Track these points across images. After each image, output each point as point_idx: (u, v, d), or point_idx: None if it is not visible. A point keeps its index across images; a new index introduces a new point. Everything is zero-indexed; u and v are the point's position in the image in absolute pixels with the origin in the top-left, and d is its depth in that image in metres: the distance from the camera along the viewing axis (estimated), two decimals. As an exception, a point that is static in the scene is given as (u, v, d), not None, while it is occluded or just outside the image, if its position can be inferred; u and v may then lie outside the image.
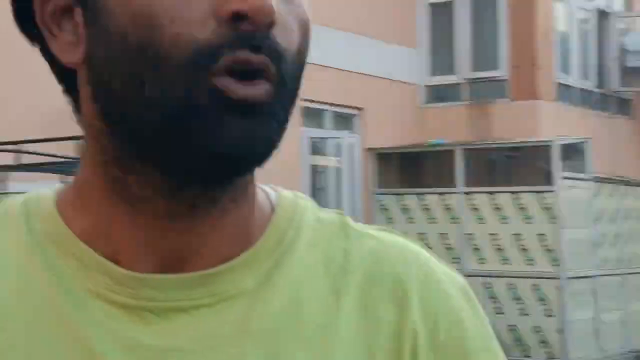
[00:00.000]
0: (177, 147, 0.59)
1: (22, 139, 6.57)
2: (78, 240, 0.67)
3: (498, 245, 10.56)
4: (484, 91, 12.69)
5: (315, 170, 11.72)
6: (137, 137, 0.61)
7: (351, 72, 11.77)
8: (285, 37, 0.61)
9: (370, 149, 11.85)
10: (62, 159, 6.10)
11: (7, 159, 6.57)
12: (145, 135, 0.60)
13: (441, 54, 13.22)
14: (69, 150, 5.88)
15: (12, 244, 0.69)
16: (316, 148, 11.66)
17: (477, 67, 12.84)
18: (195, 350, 0.64)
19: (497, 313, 10.32)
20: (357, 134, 12.12)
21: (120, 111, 0.60)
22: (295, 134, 10.71)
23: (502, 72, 12.56)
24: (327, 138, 11.85)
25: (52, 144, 6.47)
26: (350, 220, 0.75)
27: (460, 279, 0.76)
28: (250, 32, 0.56)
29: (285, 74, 0.61)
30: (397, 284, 0.70)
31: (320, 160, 11.75)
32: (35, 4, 0.63)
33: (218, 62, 0.57)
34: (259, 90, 0.58)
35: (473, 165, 11.39)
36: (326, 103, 11.63)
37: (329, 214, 0.76)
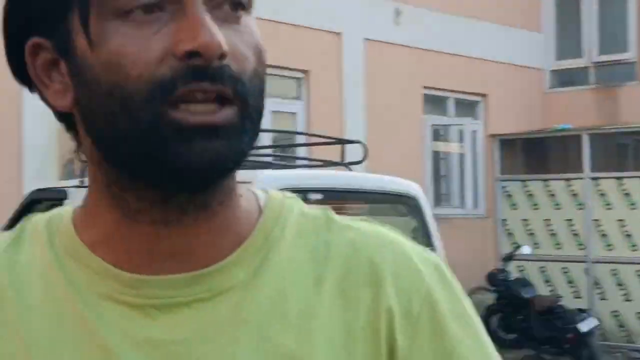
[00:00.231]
0: (154, 168, 0.67)
1: None
2: (89, 251, 0.74)
3: (626, 231, 10.34)
4: (612, 74, 12.56)
5: (438, 157, 11.80)
6: (124, 162, 0.68)
7: (474, 58, 11.81)
8: (239, 64, 0.67)
9: (493, 135, 11.84)
10: None
11: None
12: (129, 161, 0.67)
13: (567, 37, 13.15)
14: None
15: (38, 258, 0.77)
16: (438, 135, 11.65)
17: (604, 50, 12.59)
18: (195, 339, 0.71)
19: (626, 300, 10.34)
20: (480, 120, 12.22)
21: (107, 144, 0.68)
22: (417, 122, 11.38)
23: (630, 54, 12.39)
24: (449, 125, 11.78)
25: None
26: (333, 215, 0.82)
27: (434, 258, 0.82)
28: (203, 66, 0.63)
29: (246, 95, 0.68)
30: (372, 267, 0.76)
31: (442, 147, 11.88)
32: (26, 59, 0.71)
33: (175, 93, 0.63)
34: (219, 117, 0.66)
35: (600, 150, 11.19)
36: (449, 90, 11.73)
37: (314, 211, 0.83)
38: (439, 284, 0.76)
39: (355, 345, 0.74)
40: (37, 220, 0.80)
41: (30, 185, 7.52)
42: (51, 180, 8.04)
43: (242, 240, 0.74)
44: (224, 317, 0.71)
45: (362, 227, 0.80)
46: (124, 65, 0.64)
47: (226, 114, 0.65)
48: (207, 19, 0.65)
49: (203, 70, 0.63)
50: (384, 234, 0.80)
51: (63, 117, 0.73)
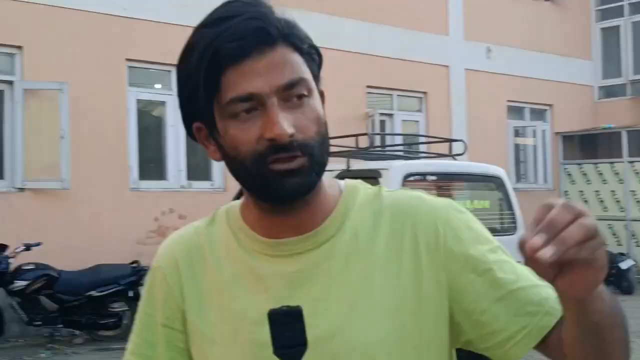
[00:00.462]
0: (264, 195, 1.01)
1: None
2: (249, 228, 1.07)
3: None
4: (643, 88, 14.14)
5: (518, 148, 13.97)
6: (249, 189, 1.03)
7: (544, 80, 13.89)
8: (304, 134, 0.95)
9: (557, 133, 13.98)
10: (346, 148, 7.26)
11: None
12: (250, 191, 1.03)
13: (610, 61, 14.98)
14: (345, 142, 7.35)
15: (222, 231, 1.12)
16: (518, 133, 13.88)
17: (637, 71, 14.45)
18: (307, 269, 1.03)
19: None
20: (548, 122, 14.29)
21: (241, 181, 1.02)
22: (503, 124, 13.53)
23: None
24: (526, 126, 13.99)
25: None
26: (383, 189, 1.12)
27: (449, 201, 1.11)
28: (280, 145, 0.92)
29: (311, 150, 0.95)
30: (409, 215, 1.05)
31: (521, 141, 13.95)
32: (194, 132, 1.04)
33: (268, 158, 0.94)
34: (296, 163, 0.95)
35: (635, 142, 12.93)
36: (525, 102, 13.96)
37: (371, 188, 1.12)
38: (452, 212, 1.06)
39: (402, 262, 1.03)
40: (221, 209, 1.16)
41: None
42: None
43: (329, 213, 1.05)
44: (323, 256, 1.03)
45: (398, 193, 1.12)
46: (238, 145, 0.96)
47: (298, 163, 0.95)
48: (280, 116, 0.93)
49: (281, 147, 0.93)
50: (414, 193, 1.12)
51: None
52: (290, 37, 0.97)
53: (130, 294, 8.09)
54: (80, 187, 8.82)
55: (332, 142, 7.13)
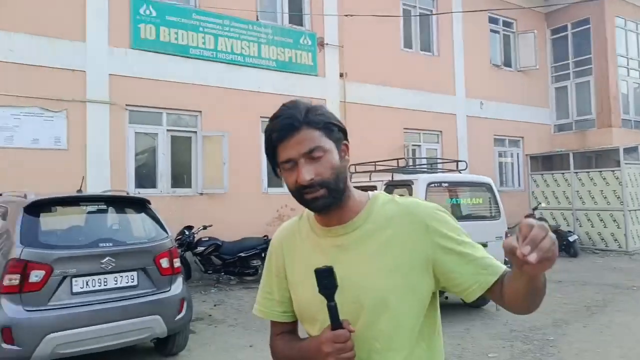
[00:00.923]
0: (310, 209, 1.10)
1: (376, 159, 7.90)
2: (316, 221, 1.15)
3: (603, 194, 11.43)
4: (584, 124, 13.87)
5: (501, 165, 13.71)
6: (304, 205, 1.10)
7: (519, 121, 13.76)
8: (321, 176, 1.03)
9: (527, 155, 13.64)
10: (389, 167, 7.50)
11: (370, 168, 7.56)
12: (304, 206, 1.10)
13: (561, 109, 14.58)
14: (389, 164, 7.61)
15: (304, 223, 1.19)
16: (501, 155, 13.75)
17: (579, 114, 14.01)
18: (349, 245, 1.08)
19: (591, 226, 11.67)
20: (520, 148, 14.10)
21: (298, 201, 1.10)
22: (490, 151, 13.09)
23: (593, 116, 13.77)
24: (506, 151, 13.88)
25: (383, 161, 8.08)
26: (396, 197, 1.12)
27: (436, 205, 1.11)
28: (306, 186, 1.03)
29: (327, 185, 1.03)
30: (413, 216, 1.07)
31: (503, 160, 13.78)
32: (278, 173, 1.10)
33: (302, 192, 1.04)
34: (318, 194, 1.04)
35: (578, 160, 12.38)
36: (505, 135, 13.61)
37: (388, 197, 1.13)
38: (436, 212, 1.09)
39: (403, 242, 1.05)
40: (305, 211, 1.19)
41: None
42: None
43: (359, 212, 1.10)
44: (355, 237, 1.09)
45: (405, 200, 1.13)
46: (288, 184, 1.06)
47: (318, 194, 1.04)
48: (303, 169, 1.01)
49: (305, 187, 1.03)
50: (413, 200, 1.12)
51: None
52: (310, 122, 1.07)
53: (263, 255, 8.08)
54: (233, 192, 9.17)
55: (381, 163, 7.73)
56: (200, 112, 9.14)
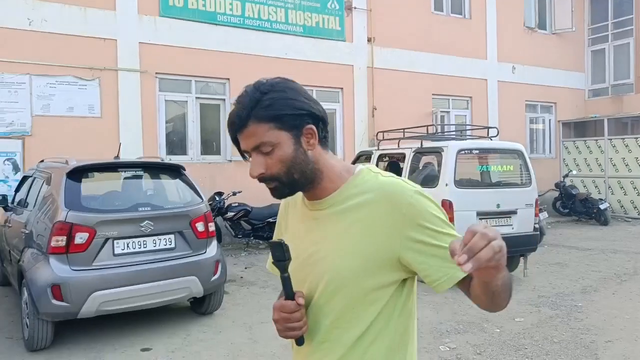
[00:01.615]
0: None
1: (403, 126, 8.21)
2: (304, 198, 1.15)
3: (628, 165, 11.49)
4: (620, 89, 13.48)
5: (532, 131, 13.48)
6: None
7: (552, 86, 13.40)
8: (271, 170, 1.02)
9: (559, 121, 13.61)
10: (418, 134, 7.81)
11: (398, 135, 7.79)
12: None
13: (597, 73, 14.15)
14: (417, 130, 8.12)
15: (300, 197, 1.17)
16: (532, 122, 13.50)
17: (616, 79, 13.62)
18: (321, 218, 1.09)
19: (624, 194, 11.60)
20: (553, 114, 13.86)
21: None
22: (522, 116, 12.90)
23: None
24: (538, 117, 13.56)
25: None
26: (380, 174, 1.09)
27: (417, 187, 1.05)
28: (257, 179, 1.03)
29: (278, 178, 1.03)
30: (390, 202, 1.03)
31: (534, 127, 13.59)
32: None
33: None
34: (272, 185, 1.05)
35: (613, 126, 12.27)
36: (538, 101, 13.35)
37: (374, 172, 1.09)
38: (416, 196, 1.04)
39: (374, 223, 1.03)
40: None
41: (359, 148, 9.95)
42: (365, 146, 10.01)
43: (337, 188, 1.09)
44: (330, 214, 1.09)
45: (386, 177, 1.08)
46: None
47: (272, 186, 1.07)
48: (252, 163, 1.02)
49: (260, 180, 1.04)
50: (393, 180, 1.07)
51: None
52: (257, 116, 1.03)
53: None
54: None
55: (410, 129, 7.78)
56: (228, 79, 9.20)
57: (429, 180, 6.50)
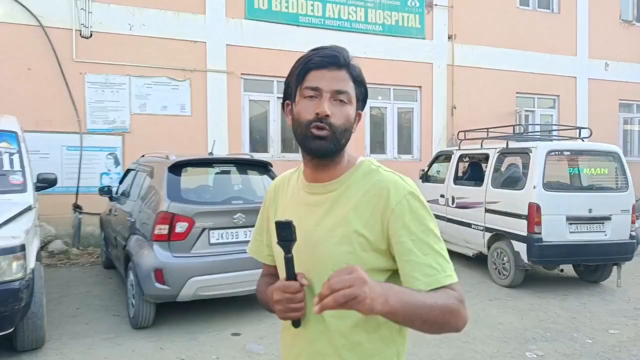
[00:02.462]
0: (306, 150, 1.06)
1: (484, 126, 8.11)
2: (303, 176, 1.17)
3: None
4: None
5: (626, 133, 12.91)
6: (299, 142, 1.07)
7: None
8: (335, 119, 1.03)
9: None
10: (503, 134, 7.52)
11: (482, 135, 7.62)
12: (300, 143, 1.06)
13: None
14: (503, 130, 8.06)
15: (296, 176, 1.22)
16: (626, 122, 12.89)
17: None
18: (319, 203, 1.12)
19: None
20: None
21: (296, 138, 1.08)
22: (615, 117, 12.32)
23: None
24: (634, 117, 12.95)
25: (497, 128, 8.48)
26: (379, 166, 1.13)
27: (411, 187, 1.08)
28: (321, 117, 1.01)
29: (335, 129, 1.03)
30: (385, 189, 1.07)
31: (629, 128, 12.98)
32: (285, 106, 1.12)
33: (311, 124, 1.02)
34: (323, 133, 1.02)
35: None
36: (634, 100, 12.65)
37: (374, 165, 1.13)
38: (409, 197, 1.07)
39: (369, 214, 1.07)
40: (295, 169, 1.23)
41: (437, 148, 9.92)
42: (443, 146, 10.02)
43: (340, 175, 1.12)
44: (327, 200, 1.12)
45: (385, 173, 1.12)
46: (301, 112, 1.05)
47: (324, 133, 1.04)
48: (326, 103, 1.03)
49: (319, 119, 1.03)
50: (392, 176, 1.10)
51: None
52: (351, 69, 1.10)
53: None
54: None
55: (494, 129, 7.53)
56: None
57: (513, 182, 6.34)
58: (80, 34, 8.09)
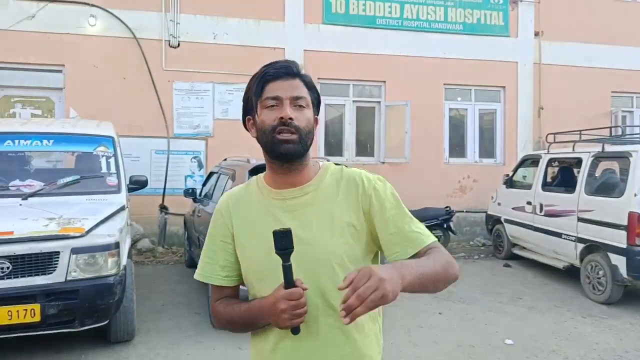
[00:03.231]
0: (274, 155, 1.13)
1: (575, 129, 7.28)
2: (266, 185, 1.20)
3: None
4: None
5: None
6: (268, 152, 1.15)
7: None
8: (299, 122, 1.12)
9: None
10: (597, 136, 6.81)
11: (573, 137, 6.98)
12: (268, 152, 1.14)
13: None
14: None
15: (253, 189, 1.23)
16: None
17: None
18: (299, 208, 1.16)
19: None
20: None
21: (264, 146, 1.15)
22: None
23: None
24: None
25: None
26: (344, 166, 1.23)
27: (379, 176, 1.21)
28: (284, 121, 1.09)
29: (300, 132, 1.12)
30: (356, 182, 1.19)
31: None
32: (246, 122, 1.21)
33: (277, 129, 1.10)
34: (290, 136, 1.10)
35: None
36: None
37: (338, 166, 1.23)
38: (378, 182, 1.20)
39: (349, 207, 1.17)
40: (253, 178, 1.28)
41: (522, 152, 9.41)
42: (529, 150, 9.53)
43: (311, 178, 1.18)
44: (308, 201, 1.17)
45: (351, 168, 1.26)
46: (265, 121, 1.13)
47: (291, 137, 1.11)
48: (289, 108, 1.12)
49: (284, 123, 1.10)
50: (358, 169, 1.24)
51: (257, 138, 1.18)
52: (304, 77, 1.19)
53: (444, 225, 8.29)
54: (415, 162, 9.23)
55: (587, 132, 6.77)
56: (384, 82, 9.42)
57: (609, 189, 5.93)
58: (169, 44, 8.58)
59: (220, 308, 1.25)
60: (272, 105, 1.13)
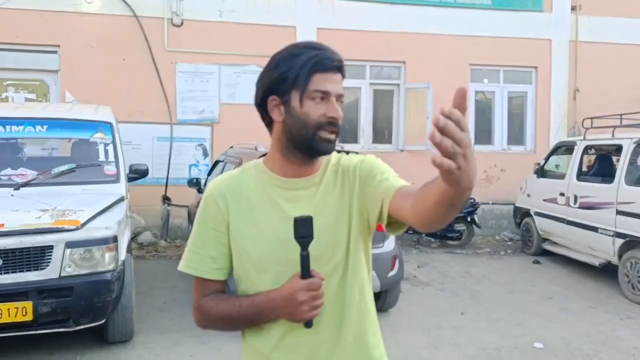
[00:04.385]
0: (310, 150, 1.15)
1: (615, 112, 7.32)
2: (269, 171, 1.22)
3: None
4: None
5: None
6: (301, 145, 1.15)
7: None
8: (340, 121, 1.18)
9: None
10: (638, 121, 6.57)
11: (614, 122, 6.94)
12: (303, 146, 1.15)
13: None
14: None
15: (250, 175, 1.24)
16: None
17: None
18: (305, 197, 1.20)
19: None
20: None
21: (294, 138, 1.15)
22: None
23: None
24: None
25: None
26: (343, 155, 1.29)
27: (374, 157, 1.27)
28: (334, 121, 1.14)
29: (339, 132, 1.18)
30: (348, 166, 1.24)
31: None
32: (268, 101, 1.17)
33: (322, 127, 1.13)
34: (333, 137, 1.15)
35: None
36: None
37: (339, 155, 1.29)
38: (368, 157, 1.26)
39: (347, 193, 1.22)
40: (249, 163, 1.28)
41: (556, 138, 9.38)
42: (563, 135, 9.54)
43: (318, 169, 1.24)
44: (312, 193, 1.22)
45: (347, 156, 1.29)
46: (310, 114, 1.14)
47: (333, 136, 1.17)
48: (337, 105, 1.16)
49: (333, 123, 1.15)
50: (350, 156, 1.29)
51: (269, 123, 1.22)
52: (342, 70, 1.21)
53: (468, 219, 8.26)
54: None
55: (629, 115, 6.75)
56: (404, 62, 9.33)
57: None
58: (172, 23, 8.55)
59: (211, 304, 1.22)
60: (319, 98, 1.15)
